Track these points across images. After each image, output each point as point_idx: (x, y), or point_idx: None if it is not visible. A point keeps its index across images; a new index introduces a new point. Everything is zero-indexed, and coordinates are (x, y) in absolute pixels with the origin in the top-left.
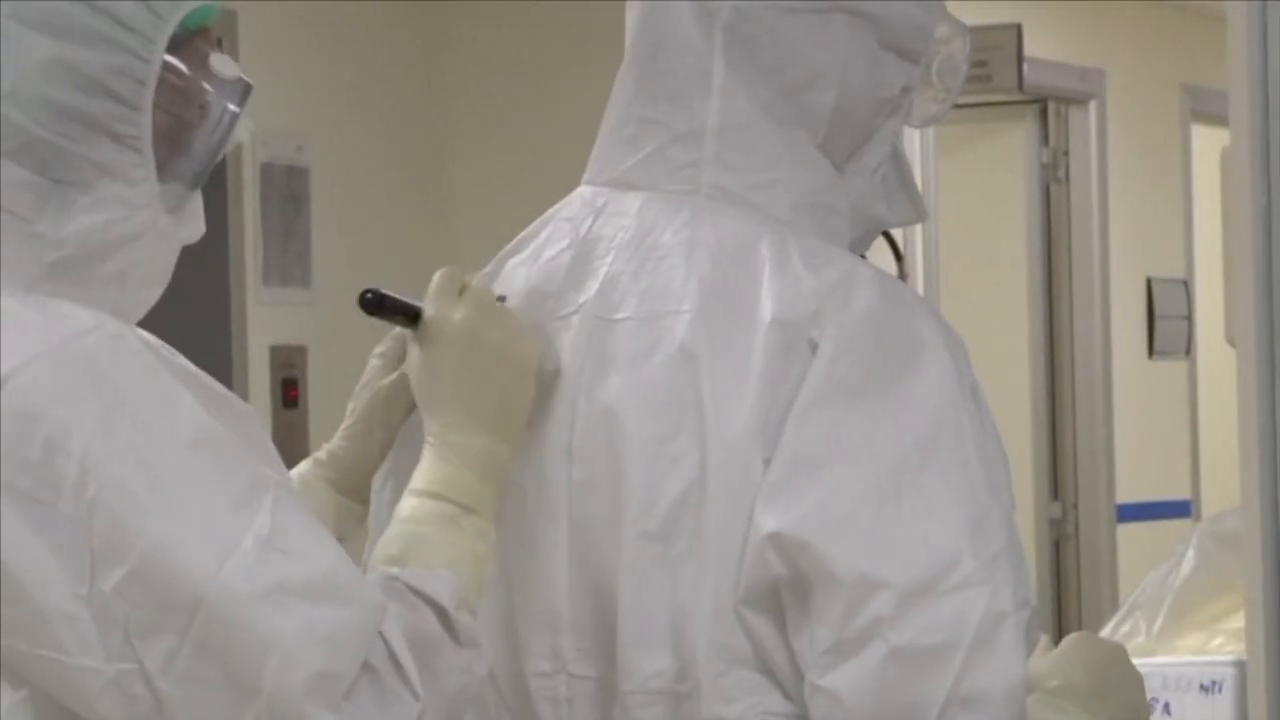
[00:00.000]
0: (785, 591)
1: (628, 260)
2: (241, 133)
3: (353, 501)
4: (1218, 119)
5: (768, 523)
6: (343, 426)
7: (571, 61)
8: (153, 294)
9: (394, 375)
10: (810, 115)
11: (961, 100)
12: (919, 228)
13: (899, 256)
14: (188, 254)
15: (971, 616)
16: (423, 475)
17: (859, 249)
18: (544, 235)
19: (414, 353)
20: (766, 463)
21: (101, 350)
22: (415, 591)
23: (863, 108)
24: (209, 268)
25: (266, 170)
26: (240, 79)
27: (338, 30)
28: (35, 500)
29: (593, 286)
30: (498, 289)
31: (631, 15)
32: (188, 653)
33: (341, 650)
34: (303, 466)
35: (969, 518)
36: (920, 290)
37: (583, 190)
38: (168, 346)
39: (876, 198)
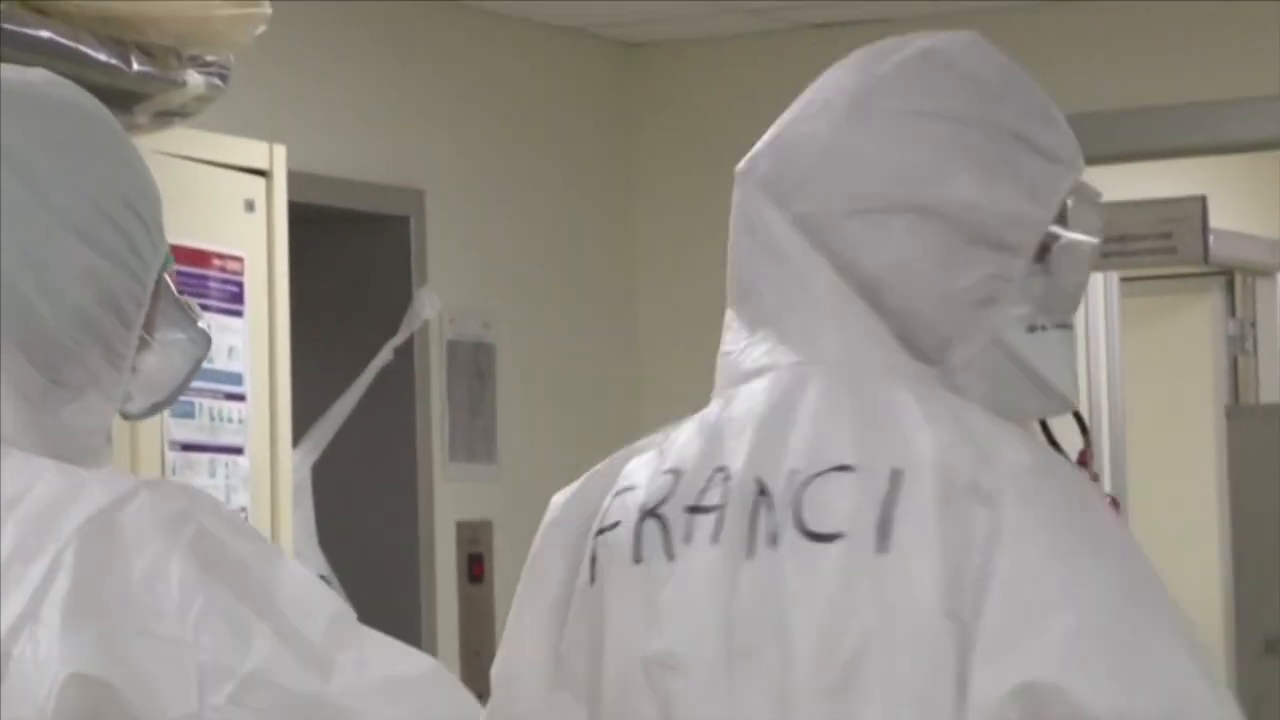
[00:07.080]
0: None
1: (768, 430)
2: (428, 310)
3: None
4: None
5: (1011, 675)
6: None
7: None
8: None
9: None
10: (881, 310)
11: (1147, 272)
12: (1104, 400)
13: (1084, 430)
14: (376, 430)
15: None
16: None
17: None
18: (661, 435)
19: None
20: (950, 614)
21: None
22: None
23: (929, 304)
24: (397, 444)
25: (453, 348)
26: (204, 332)
27: (523, 207)
28: (144, 631)
29: (735, 458)
30: (617, 493)
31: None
32: None
33: None
34: None
35: (1190, 650)
36: (1106, 464)
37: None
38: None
39: (974, 394)
